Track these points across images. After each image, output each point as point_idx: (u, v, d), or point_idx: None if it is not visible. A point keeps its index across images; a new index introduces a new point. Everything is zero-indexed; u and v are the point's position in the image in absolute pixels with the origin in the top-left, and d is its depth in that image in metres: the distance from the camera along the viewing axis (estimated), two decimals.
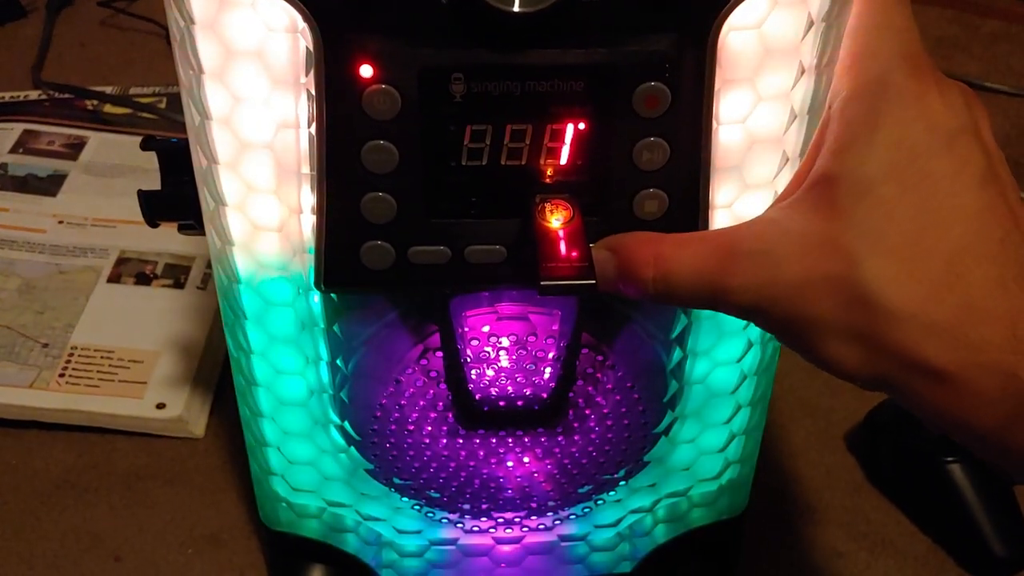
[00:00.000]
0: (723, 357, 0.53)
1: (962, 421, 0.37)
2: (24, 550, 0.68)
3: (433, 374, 0.51)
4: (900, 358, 0.37)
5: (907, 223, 0.37)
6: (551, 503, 0.57)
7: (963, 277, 0.37)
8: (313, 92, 0.41)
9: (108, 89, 1.09)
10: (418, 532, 0.61)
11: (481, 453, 0.54)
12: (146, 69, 1.15)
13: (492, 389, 0.52)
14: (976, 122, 0.39)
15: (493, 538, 0.61)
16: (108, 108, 1.07)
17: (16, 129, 1.03)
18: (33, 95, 1.09)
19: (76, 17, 1.25)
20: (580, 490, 0.57)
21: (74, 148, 1.01)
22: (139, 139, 0.55)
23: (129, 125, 1.04)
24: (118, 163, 0.99)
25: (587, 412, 0.53)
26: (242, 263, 0.48)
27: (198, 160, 0.46)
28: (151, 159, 0.52)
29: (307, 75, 0.41)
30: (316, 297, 0.49)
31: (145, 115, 1.05)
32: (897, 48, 0.40)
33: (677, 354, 0.52)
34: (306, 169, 0.44)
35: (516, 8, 0.38)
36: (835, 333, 0.38)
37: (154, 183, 0.52)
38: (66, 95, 1.09)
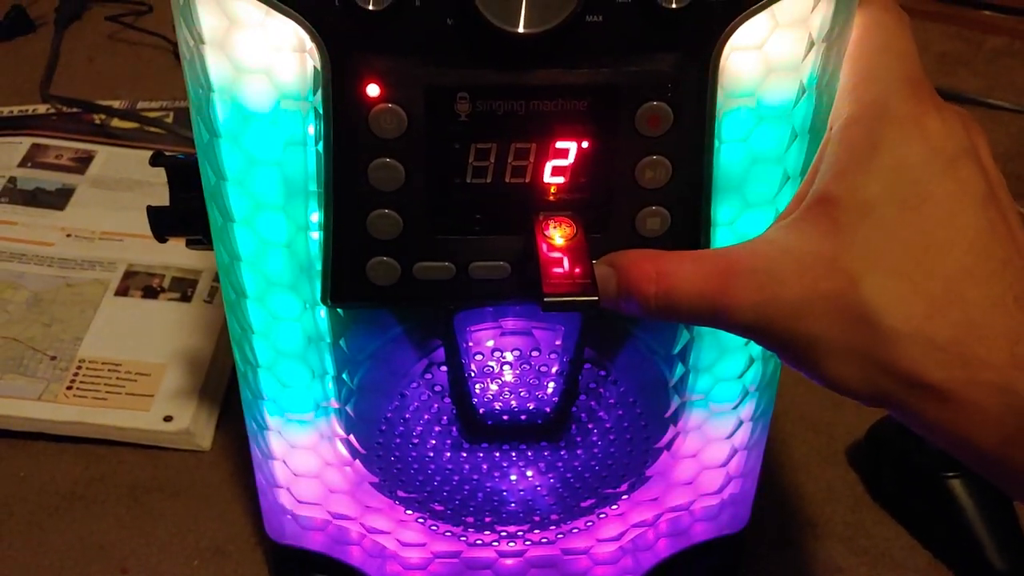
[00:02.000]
0: (725, 373, 0.53)
1: (963, 439, 0.38)
2: (31, 561, 0.68)
3: (438, 388, 0.52)
4: (901, 376, 0.38)
5: (907, 244, 0.38)
6: (554, 516, 0.58)
7: (963, 296, 0.37)
8: (321, 110, 0.42)
9: (116, 103, 1.10)
10: (422, 545, 0.61)
11: (485, 467, 0.55)
12: (154, 83, 1.16)
13: (496, 403, 0.52)
14: (975, 145, 0.40)
15: (496, 551, 0.61)
16: (116, 122, 1.08)
17: (24, 143, 1.03)
18: (41, 109, 1.10)
19: (84, 31, 1.26)
20: (583, 504, 0.57)
21: (82, 162, 1.02)
22: (147, 153, 0.56)
23: (137, 139, 1.05)
24: (126, 177, 1.00)
25: (590, 426, 0.53)
26: (250, 278, 0.49)
27: (207, 176, 0.46)
28: (158, 173, 0.53)
29: (315, 94, 0.42)
30: (323, 312, 0.50)
31: (153, 129, 1.06)
32: (897, 71, 0.40)
33: (679, 369, 0.53)
34: (313, 186, 0.45)
35: (521, 29, 0.39)
36: (836, 351, 0.38)
37: (161, 197, 0.53)
38: (74, 109, 1.09)
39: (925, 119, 0.39)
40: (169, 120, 1.07)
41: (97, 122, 1.08)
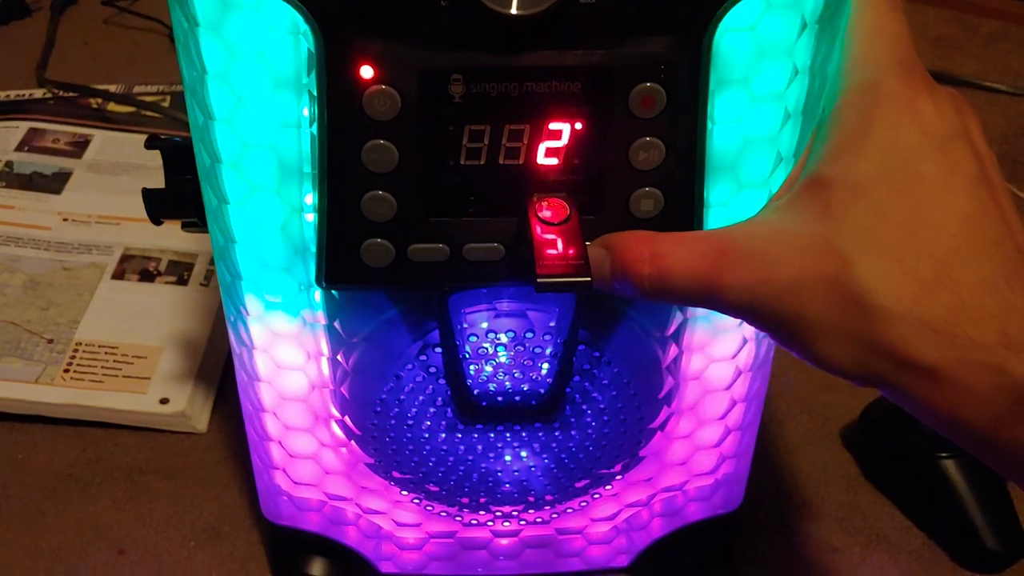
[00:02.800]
0: (718, 353, 0.54)
1: (954, 418, 0.38)
2: (29, 543, 0.69)
3: (432, 370, 0.52)
4: (892, 356, 0.38)
5: (899, 224, 0.38)
6: (548, 497, 0.58)
7: (954, 277, 0.37)
8: (315, 93, 0.42)
9: (112, 87, 1.10)
10: (417, 525, 0.61)
11: (479, 448, 0.55)
12: (149, 67, 1.16)
13: (490, 385, 0.52)
14: (967, 127, 0.40)
15: (491, 531, 0.62)
16: (112, 106, 1.08)
17: (21, 127, 1.04)
18: (38, 93, 1.10)
19: (80, 16, 1.26)
20: (577, 484, 0.57)
21: (79, 146, 1.02)
22: (143, 137, 0.56)
23: (133, 123, 1.05)
24: (122, 161, 1.00)
25: (584, 407, 0.53)
26: (244, 261, 0.49)
27: (202, 159, 0.46)
28: (155, 157, 0.53)
29: (309, 76, 0.42)
30: (317, 294, 0.50)
31: (149, 113, 1.06)
32: (890, 54, 0.41)
33: (673, 350, 0.53)
34: (308, 168, 0.45)
35: (514, 11, 0.39)
36: (828, 332, 0.39)
37: (158, 181, 0.53)
38: (70, 93, 1.09)
39: (917, 101, 0.39)
40: (165, 104, 1.07)
41: (94, 106, 1.08)
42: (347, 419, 0.55)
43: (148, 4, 1.26)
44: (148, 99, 1.08)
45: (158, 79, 1.12)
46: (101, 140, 1.03)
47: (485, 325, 0.51)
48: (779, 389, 0.80)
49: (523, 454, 0.55)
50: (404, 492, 0.58)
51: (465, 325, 0.51)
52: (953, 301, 0.37)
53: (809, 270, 0.38)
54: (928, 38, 1.26)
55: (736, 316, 0.42)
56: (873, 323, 0.38)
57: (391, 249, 0.45)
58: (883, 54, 0.41)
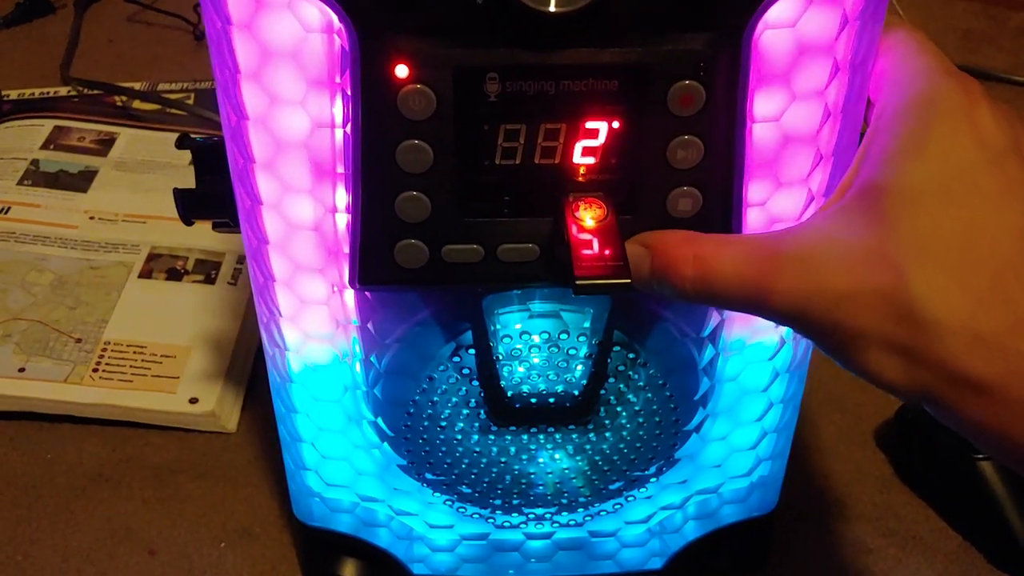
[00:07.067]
0: (755, 355, 0.53)
1: (1003, 434, 0.37)
2: (59, 543, 0.69)
3: (465, 371, 0.51)
4: (943, 370, 0.37)
5: (955, 236, 0.37)
6: (582, 499, 0.58)
7: (1010, 291, 0.37)
8: (349, 92, 0.41)
9: (137, 85, 1.10)
10: (450, 527, 0.61)
11: (512, 449, 0.54)
12: (174, 65, 1.15)
13: (524, 386, 0.52)
14: (1020, 143, 0.39)
15: (524, 533, 0.61)
16: (137, 104, 1.07)
17: (47, 126, 1.03)
18: (63, 91, 1.10)
19: (104, 14, 1.26)
20: (611, 486, 0.57)
21: (104, 144, 1.01)
22: (168, 135, 0.55)
23: (158, 121, 1.05)
24: (148, 159, 0.99)
25: (618, 409, 0.53)
26: (277, 262, 0.49)
27: (234, 159, 0.46)
28: (181, 155, 0.52)
29: (343, 75, 0.42)
30: (351, 295, 0.49)
31: (174, 111, 1.06)
32: (941, 67, 0.40)
33: (709, 351, 0.52)
34: (341, 168, 0.44)
35: (551, 8, 0.38)
36: (878, 344, 0.38)
37: (184, 179, 0.52)
38: (95, 91, 1.09)
39: (975, 112, 0.39)
40: (190, 101, 1.07)
41: (119, 104, 1.08)
42: (380, 420, 0.54)
43: (172, 1, 1.26)
44: (173, 97, 1.08)
45: (182, 76, 1.11)
46: (126, 138, 1.02)
47: (519, 326, 0.51)
48: (811, 388, 0.79)
49: (557, 456, 0.55)
50: (436, 494, 0.58)
51: (498, 326, 0.50)
52: (1008, 315, 0.37)
53: (863, 282, 0.38)
54: (957, 32, 1.24)
55: (782, 323, 0.41)
56: (926, 336, 0.37)
57: (425, 250, 0.45)
58: (935, 67, 0.41)
